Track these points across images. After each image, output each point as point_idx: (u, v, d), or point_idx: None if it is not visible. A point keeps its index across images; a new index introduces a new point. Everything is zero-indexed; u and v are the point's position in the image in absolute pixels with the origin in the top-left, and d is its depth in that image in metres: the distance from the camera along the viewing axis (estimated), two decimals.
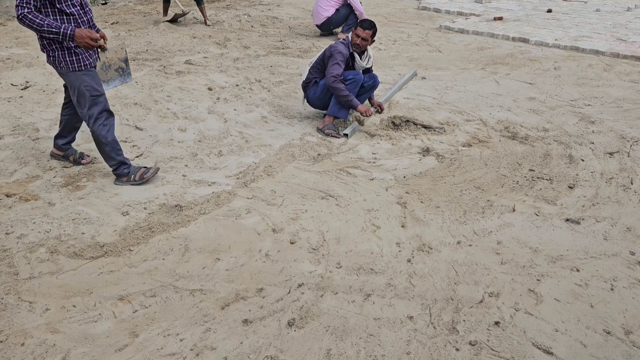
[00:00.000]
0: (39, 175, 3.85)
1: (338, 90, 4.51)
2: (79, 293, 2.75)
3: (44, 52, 3.50)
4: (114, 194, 3.65)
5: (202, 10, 8.32)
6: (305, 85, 4.81)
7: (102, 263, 2.98)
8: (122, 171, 3.76)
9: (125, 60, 3.93)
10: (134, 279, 2.85)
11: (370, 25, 4.57)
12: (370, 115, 4.60)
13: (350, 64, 4.71)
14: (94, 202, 3.56)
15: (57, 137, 4.02)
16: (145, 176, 3.79)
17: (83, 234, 3.23)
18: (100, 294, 2.74)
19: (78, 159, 4.05)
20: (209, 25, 8.30)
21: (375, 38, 4.65)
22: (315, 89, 4.74)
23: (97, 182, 3.80)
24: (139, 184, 3.77)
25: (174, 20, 8.30)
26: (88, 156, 4.10)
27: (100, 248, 3.09)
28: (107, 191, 3.69)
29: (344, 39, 4.70)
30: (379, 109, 4.94)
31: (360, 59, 4.71)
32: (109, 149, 3.68)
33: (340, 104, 4.59)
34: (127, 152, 4.23)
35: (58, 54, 3.44)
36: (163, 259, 3.02)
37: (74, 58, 3.46)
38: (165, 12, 8.58)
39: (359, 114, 4.62)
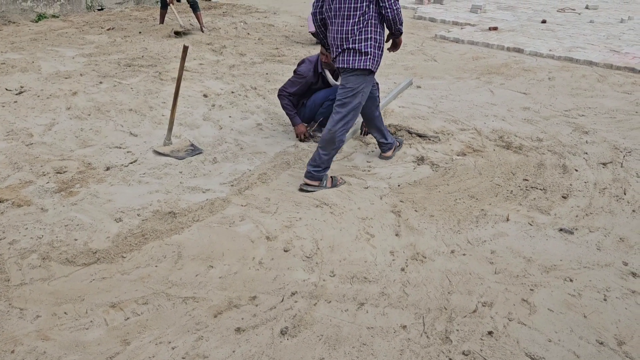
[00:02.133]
0: (32, 181, 3.83)
1: (282, 106, 4.58)
2: (70, 300, 2.72)
3: (366, 50, 3.54)
4: (107, 200, 3.63)
5: (198, 17, 8.34)
6: (295, 104, 4.72)
7: (94, 270, 2.96)
8: (320, 174, 3.82)
9: (191, 145, 4.44)
10: (126, 286, 2.83)
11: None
12: (305, 139, 4.54)
13: (319, 83, 4.59)
14: (87, 208, 3.54)
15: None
16: (337, 184, 3.90)
17: (75, 240, 3.21)
18: (91, 301, 2.72)
19: (335, 183, 3.93)
20: (204, 32, 8.31)
21: None
22: (303, 110, 4.71)
23: (90, 188, 3.78)
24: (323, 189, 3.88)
25: (178, 34, 8.07)
26: (342, 178, 4.01)
27: (92, 255, 3.07)
28: (100, 197, 3.67)
29: (311, 57, 4.55)
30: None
31: (333, 76, 4.58)
32: (335, 153, 3.83)
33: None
34: (122, 159, 4.22)
35: (377, 54, 3.59)
36: (156, 266, 3.00)
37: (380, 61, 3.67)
38: (162, 20, 8.60)
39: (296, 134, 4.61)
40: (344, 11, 3.52)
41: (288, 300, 2.78)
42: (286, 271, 3.00)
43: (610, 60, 7.18)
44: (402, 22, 3.63)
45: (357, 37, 3.53)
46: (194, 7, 8.25)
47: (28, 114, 4.93)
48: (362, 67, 3.57)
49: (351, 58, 3.57)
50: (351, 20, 3.53)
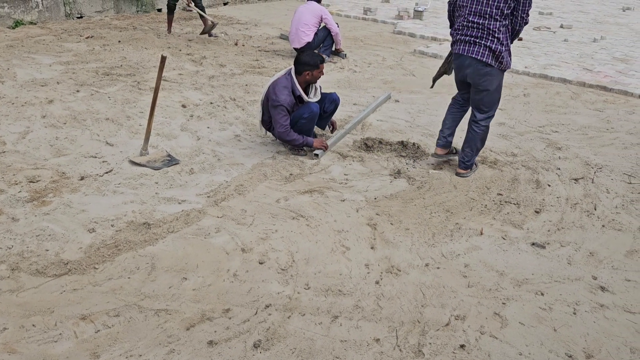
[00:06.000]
0: (3, 190, 3.76)
1: (292, 142, 4.49)
2: (39, 312, 2.68)
3: (496, 47, 3.96)
4: (81, 211, 3.59)
5: (204, 21, 8.61)
6: (268, 126, 4.70)
7: (65, 281, 2.91)
8: (473, 161, 4.43)
9: (168, 156, 4.44)
10: (97, 298, 2.79)
11: (323, 59, 4.58)
12: (327, 147, 4.66)
13: (297, 103, 4.57)
14: (59, 218, 3.49)
15: (449, 135, 4.54)
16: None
17: (47, 250, 3.15)
18: (61, 313, 2.67)
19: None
20: (205, 34, 8.62)
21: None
22: None
23: (63, 197, 3.73)
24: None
25: (208, 34, 8.53)
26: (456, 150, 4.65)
27: (64, 265, 3.02)
28: (73, 207, 3.62)
29: (284, 81, 4.47)
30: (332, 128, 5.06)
31: (307, 94, 4.60)
32: (482, 147, 4.42)
33: (309, 126, 4.61)
34: (97, 168, 4.18)
35: (505, 53, 4.00)
36: (128, 278, 2.96)
37: (510, 60, 4.07)
38: (170, 27, 8.73)
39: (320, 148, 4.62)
40: None
41: (262, 313, 2.77)
42: (261, 284, 2.99)
43: (583, 78, 7.35)
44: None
45: None
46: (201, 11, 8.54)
47: (1, 122, 4.85)
48: None
49: None
50: None
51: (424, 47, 8.94)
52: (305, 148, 4.68)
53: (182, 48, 7.94)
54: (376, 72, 7.48)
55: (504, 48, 3.98)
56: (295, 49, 7.75)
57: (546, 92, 6.91)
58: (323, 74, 4.61)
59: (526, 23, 3.95)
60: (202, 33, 8.59)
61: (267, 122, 4.67)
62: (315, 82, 4.62)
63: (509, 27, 3.99)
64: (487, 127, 4.34)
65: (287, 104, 4.41)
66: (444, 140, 4.54)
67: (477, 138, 4.34)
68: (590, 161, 4.85)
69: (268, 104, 4.52)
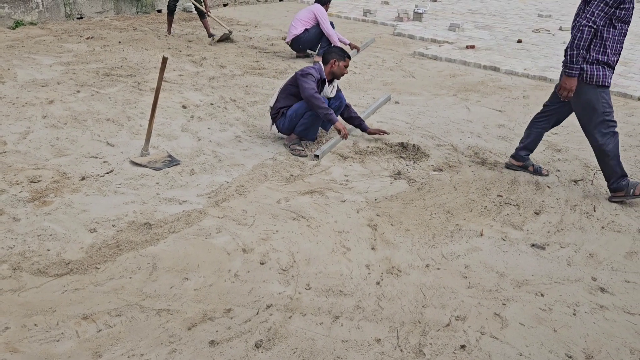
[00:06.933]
0: (4, 190, 3.77)
1: (316, 100, 4.50)
2: (41, 311, 2.68)
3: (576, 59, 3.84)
4: (82, 211, 3.59)
5: (205, 24, 8.69)
6: (274, 115, 4.80)
7: (66, 281, 2.92)
8: (620, 184, 4.06)
9: (169, 156, 4.43)
10: (99, 298, 2.80)
11: (349, 55, 4.81)
12: (346, 137, 4.66)
13: (318, 89, 4.75)
14: (61, 218, 3.50)
15: (521, 149, 4.49)
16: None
17: (48, 250, 3.16)
18: (63, 313, 2.68)
19: (538, 170, 4.51)
20: (211, 39, 8.64)
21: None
22: (283, 120, 4.74)
23: (65, 198, 3.73)
24: (636, 198, 4.06)
25: (221, 40, 8.56)
26: (547, 171, 4.54)
27: (65, 265, 3.03)
28: (75, 207, 3.63)
29: (314, 65, 4.75)
30: (381, 133, 5.09)
31: (330, 86, 4.83)
32: (614, 162, 4.04)
33: (320, 116, 4.62)
34: (98, 168, 4.19)
35: (587, 65, 3.87)
36: (130, 278, 2.97)
37: (600, 73, 3.87)
38: (170, 28, 8.81)
39: (337, 131, 4.66)
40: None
41: (263, 313, 2.77)
42: (262, 284, 3.00)
43: None
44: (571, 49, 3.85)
45: None
46: (201, 15, 8.61)
47: (2, 122, 4.86)
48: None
49: None
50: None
51: (424, 49, 8.96)
52: (301, 149, 4.71)
53: (182, 49, 7.95)
54: (376, 73, 7.50)
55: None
56: (287, 43, 7.86)
57: (545, 94, 6.91)
58: (347, 72, 4.78)
59: (577, 29, 3.73)
60: (219, 40, 8.60)
61: (276, 110, 4.76)
62: (339, 77, 4.81)
63: (593, 38, 3.80)
64: (603, 144, 4.01)
65: (316, 75, 4.64)
66: (516, 151, 4.56)
67: (599, 157, 4.14)
68: (589, 163, 4.86)
69: (286, 87, 4.75)
